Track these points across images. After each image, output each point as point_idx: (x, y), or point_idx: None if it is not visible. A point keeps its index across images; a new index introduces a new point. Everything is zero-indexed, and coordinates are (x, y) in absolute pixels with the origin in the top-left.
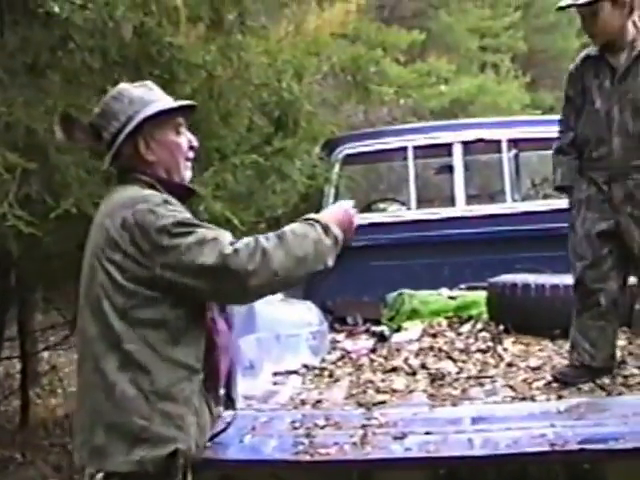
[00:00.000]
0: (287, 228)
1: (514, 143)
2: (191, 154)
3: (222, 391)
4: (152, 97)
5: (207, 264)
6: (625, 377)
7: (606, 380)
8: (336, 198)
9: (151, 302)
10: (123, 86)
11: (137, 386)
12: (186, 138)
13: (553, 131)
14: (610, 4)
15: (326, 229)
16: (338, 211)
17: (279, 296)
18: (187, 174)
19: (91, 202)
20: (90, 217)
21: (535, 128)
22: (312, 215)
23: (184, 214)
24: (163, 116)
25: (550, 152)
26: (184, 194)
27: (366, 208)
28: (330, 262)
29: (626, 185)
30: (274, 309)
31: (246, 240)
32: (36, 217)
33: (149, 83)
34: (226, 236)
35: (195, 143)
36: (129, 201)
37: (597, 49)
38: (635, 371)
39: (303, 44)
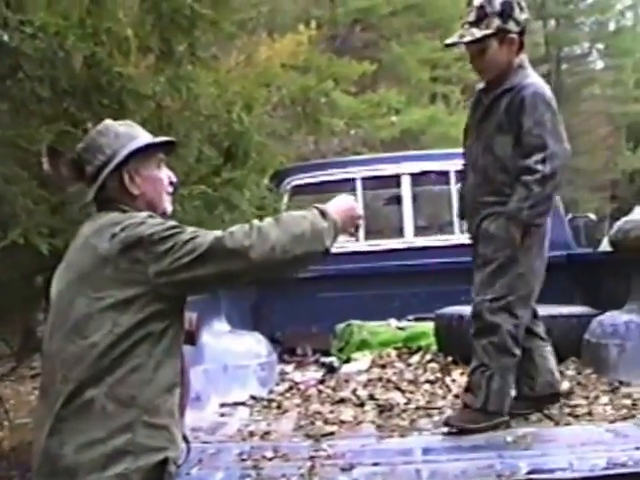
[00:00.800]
0: (286, 212)
1: (461, 174)
2: (170, 189)
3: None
4: (136, 133)
5: (205, 250)
6: (572, 407)
7: (554, 410)
8: None
9: (139, 315)
10: (109, 122)
11: (118, 402)
12: (166, 173)
13: None
14: (497, 42)
15: (323, 213)
16: (338, 201)
17: (227, 327)
18: (168, 207)
19: (38, 232)
20: (36, 247)
21: None
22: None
23: (171, 222)
24: (147, 151)
25: None
26: None
27: None
28: (328, 243)
29: (475, 220)
30: (222, 340)
31: (243, 225)
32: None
33: (131, 122)
34: (216, 231)
35: (174, 179)
36: (115, 219)
37: (482, 85)
38: (582, 401)
39: (253, 75)
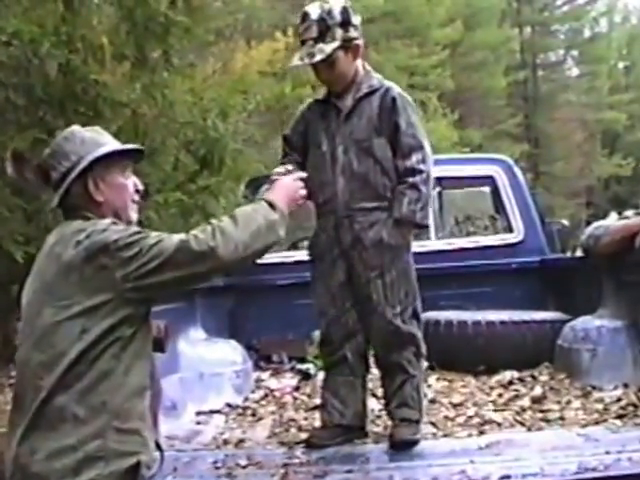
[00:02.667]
0: (237, 209)
1: (438, 181)
2: (136, 197)
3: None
4: (103, 140)
5: (171, 254)
6: (544, 412)
7: (526, 415)
8: None
9: (106, 321)
10: (75, 128)
11: (90, 408)
12: (132, 181)
13: (477, 169)
14: (343, 52)
15: (272, 205)
16: (280, 188)
17: (202, 335)
18: (133, 215)
19: (13, 240)
20: (11, 255)
21: (458, 167)
22: (270, 195)
23: (135, 228)
24: (113, 158)
25: (473, 190)
26: None
27: (292, 246)
28: (282, 233)
29: (352, 229)
30: (197, 348)
31: (200, 227)
32: None
33: (98, 128)
34: (180, 234)
35: (140, 186)
36: (79, 227)
37: (323, 93)
38: (555, 406)
39: (230, 82)
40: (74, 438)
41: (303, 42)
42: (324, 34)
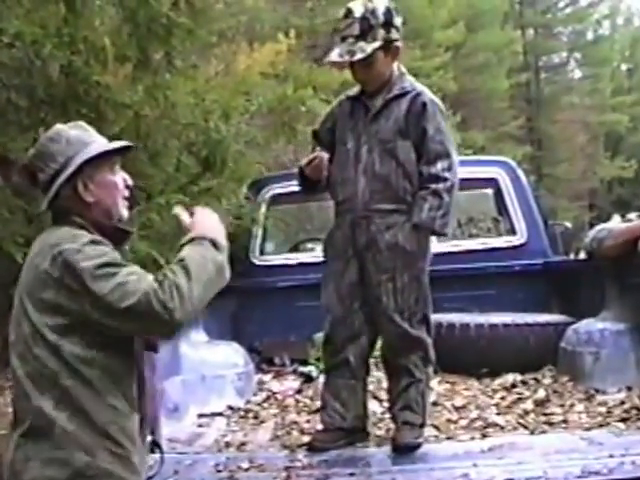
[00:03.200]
0: (185, 254)
1: None
2: (127, 192)
3: (149, 437)
4: (89, 138)
5: (132, 304)
6: (548, 415)
7: (529, 418)
8: (264, 239)
9: (83, 340)
10: (60, 127)
11: (77, 423)
12: (121, 177)
13: (480, 172)
14: (383, 53)
15: (215, 244)
16: (209, 223)
17: (204, 338)
18: (124, 212)
19: (13, 241)
20: (12, 256)
21: (461, 169)
22: (193, 233)
23: (110, 255)
24: (102, 157)
25: (476, 192)
26: (120, 237)
27: (293, 248)
28: (228, 274)
29: (368, 230)
30: (199, 351)
31: (163, 282)
32: None
33: (83, 124)
34: (148, 279)
35: (130, 182)
36: (58, 240)
37: (356, 90)
38: (558, 409)
39: (232, 84)
40: (65, 452)
41: (343, 38)
42: (366, 33)
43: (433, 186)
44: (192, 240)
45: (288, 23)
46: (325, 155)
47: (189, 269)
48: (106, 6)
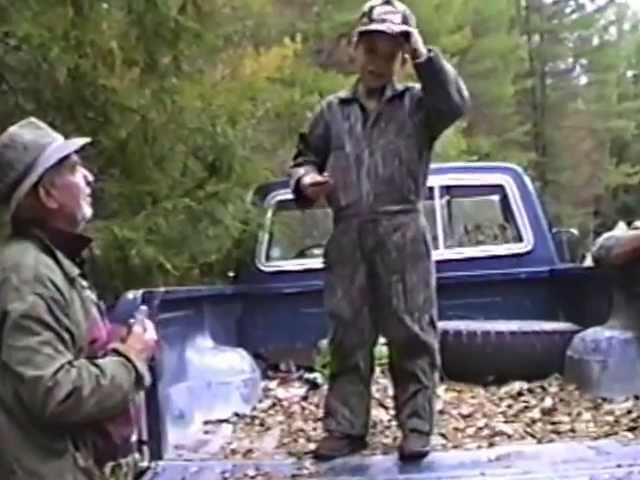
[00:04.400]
0: (109, 371)
1: (447, 190)
2: (88, 190)
3: (134, 438)
4: (45, 139)
5: (20, 375)
6: (555, 424)
7: (536, 427)
8: (270, 244)
9: (3, 374)
10: (13, 132)
11: (5, 459)
12: (81, 174)
13: (486, 178)
14: (403, 52)
15: (139, 380)
16: (138, 346)
17: (210, 344)
18: (87, 211)
19: None
20: None
21: (468, 175)
22: (132, 350)
23: (42, 307)
24: (61, 160)
25: (482, 198)
26: (79, 244)
27: (300, 254)
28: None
29: (376, 232)
30: (205, 357)
31: (72, 375)
32: None
33: (35, 121)
34: (56, 364)
35: (90, 178)
36: (7, 264)
37: (347, 93)
38: (565, 418)
39: (238, 88)
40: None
41: (384, 20)
42: (404, 25)
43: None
44: (127, 359)
45: (294, 28)
46: (332, 182)
47: (102, 388)
48: (114, 10)
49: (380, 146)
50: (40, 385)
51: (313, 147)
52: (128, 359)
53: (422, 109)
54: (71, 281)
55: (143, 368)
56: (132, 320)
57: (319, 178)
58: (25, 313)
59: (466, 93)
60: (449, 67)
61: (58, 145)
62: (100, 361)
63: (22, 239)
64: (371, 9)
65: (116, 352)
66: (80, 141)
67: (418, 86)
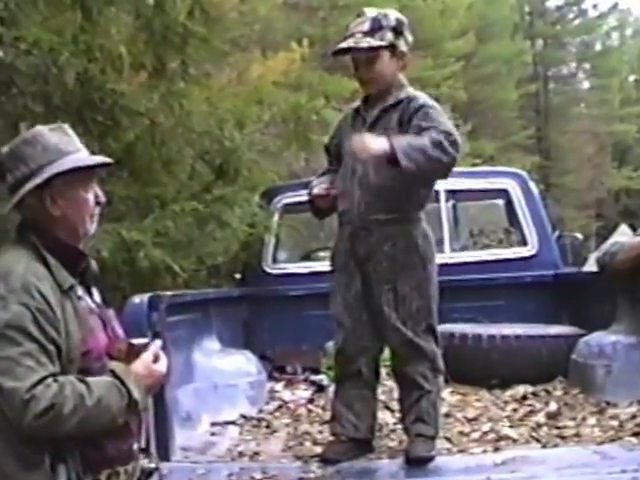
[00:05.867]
0: (97, 392)
1: (452, 194)
2: (97, 210)
3: (135, 446)
4: (68, 147)
5: (3, 387)
6: (560, 428)
7: (542, 432)
8: (276, 247)
9: None
10: (40, 130)
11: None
12: (93, 193)
13: (491, 183)
14: (389, 55)
15: (133, 405)
16: (154, 375)
17: (217, 346)
18: (91, 228)
19: None
20: None
21: (473, 180)
22: (131, 374)
23: (27, 319)
24: (76, 172)
25: (487, 203)
26: (77, 258)
27: (306, 257)
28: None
29: (368, 241)
30: (212, 359)
31: (53, 390)
32: None
33: (66, 127)
34: (35, 376)
35: (102, 199)
36: (2, 270)
37: (359, 102)
38: (570, 422)
39: (245, 92)
40: None
41: (352, 34)
42: (374, 31)
43: (434, 134)
44: (122, 382)
45: (301, 32)
46: (334, 191)
47: (85, 406)
48: (122, 15)
49: None
50: (17, 397)
51: (334, 156)
52: (123, 382)
53: (413, 128)
54: (64, 291)
55: (138, 394)
56: (134, 341)
57: (323, 189)
58: (9, 323)
59: (447, 145)
60: (418, 155)
61: (78, 157)
62: (91, 379)
63: (19, 246)
64: (347, 26)
65: (112, 373)
66: (99, 159)
67: (419, 98)
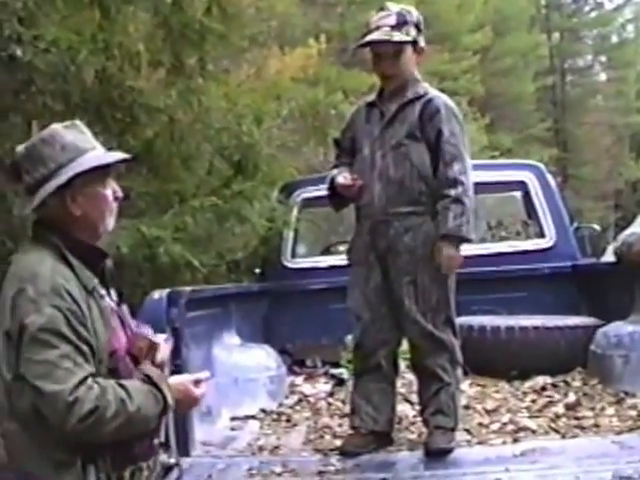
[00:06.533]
0: (137, 399)
1: None
2: (115, 205)
3: (156, 441)
4: (84, 145)
5: (39, 388)
6: (579, 419)
7: (561, 422)
8: (295, 242)
9: (20, 386)
10: (56, 129)
11: (17, 468)
12: (112, 189)
13: (509, 175)
14: (412, 50)
15: (165, 410)
16: (190, 397)
17: (237, 340)
18: (110, 224)
19: None
20: None
21: (491, 172)
22: (165, 382)
23: (62, 316)
24: (95, 170)
25: (506, 195)
26: (97, 257)
27: (325, 251)
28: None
29: (388, 234)
30: (232, 353)
31: (95, 392)
32: None
33: (80, 124)
34: (74, 379)
35: (120, 194)
36: (24, 274)
37: (373, 96)
38: (589, 413)
39: (263, 88)
40: None
41: (378, 27)
42: (401, 26)
43: (453, 192)
44: (159, 389)
45: (318, 28)
46: (360, 182)
47: (127, 412)
48: (140, 12)
49: (391, 148)
50: (60, 400)
51: (347, 150)
52: (159, 389)
53: (432, 129)
54: (89, 291)
55: (172, 399)
56: (153, 337)
57: (349, 179)
58: (43, 326)
59: (459, 182)
60: (464, 217)
61: (96, 154)
62: (129, 385)
63: (39, 246)
64: (368, 21)
65: (148, 379)
66: (118, 155)
67: (440, 97)
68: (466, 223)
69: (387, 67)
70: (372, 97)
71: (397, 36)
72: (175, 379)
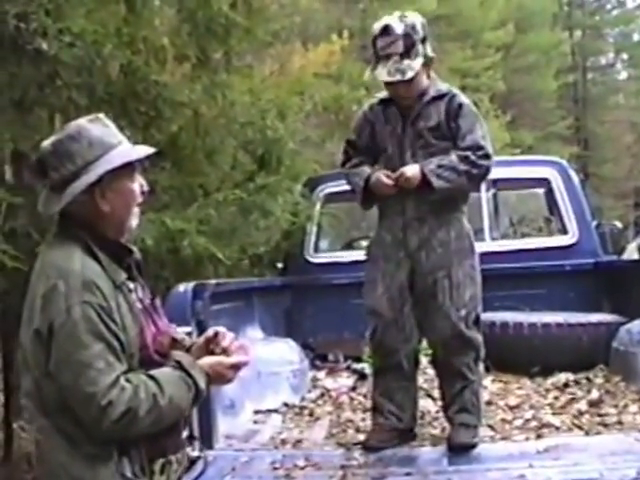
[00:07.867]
0: (168, 390)
1: (493, 183)
2: (141, 199)
3: (184, 434)
4: (111, 140)
5: (71, 387)
6: (602, 416)
7: (584, 419)
8: (318, 236)
9: (50, 384)
10: (81, 124)
11: (50, 465)
12: (139, 183)
13: (532, 171)
14: (422, 68)
15: (198, 395)
16: (221, 369)
17: (260, 334)
18: (134, 222)
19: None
20: None
21: (514, 168)
22: (196, 367)
23: (93, 312)
24: (124, 166)
25: (528, 191)
26: (122, 254)
27: (347, 246)
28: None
29: (421, 230)
30: (255, 347)
31: (128, 394)
32: (21, 251)
33: (104, 118)
34: (107, 380)
35: (146, 187)
36: (54, 271)
37: (385, 93)
38: (612, 410)
39: (287, 83)
40: None
41: (387, 56)
42: (409, 50)
43: (462, 153)
44: (188, 374)
45: (341, 24)
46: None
47: (159, 406)
48: (165, 7)
49: (420, 147)
50: (93, 404)
51: (364, 149)
52: (189, 374)
53: (456, 126)
54: (117, 286)
55: (204, 384)
56: (175, 333)
57: (392, 177)
58: (75, 325)
59: (476, 158)
60: (448, 173)
61: (124, 149)
62: (159, 375)
63: (67, 241)
64: (374, 40)
65: (179, 364)
66: (146, 150)
67: (460, 96)
68: (445, 180)
69: (403, 91)
70: (385, 94)
71: (409, 69)
72: (212, 359)
